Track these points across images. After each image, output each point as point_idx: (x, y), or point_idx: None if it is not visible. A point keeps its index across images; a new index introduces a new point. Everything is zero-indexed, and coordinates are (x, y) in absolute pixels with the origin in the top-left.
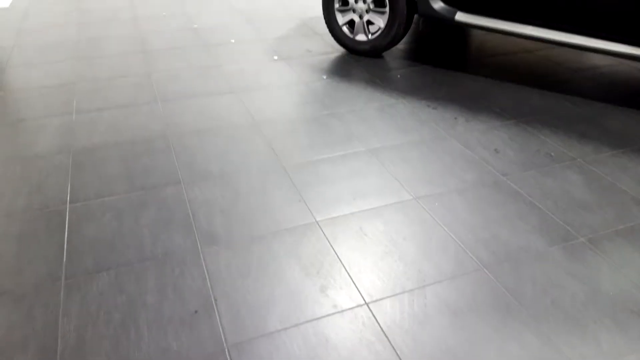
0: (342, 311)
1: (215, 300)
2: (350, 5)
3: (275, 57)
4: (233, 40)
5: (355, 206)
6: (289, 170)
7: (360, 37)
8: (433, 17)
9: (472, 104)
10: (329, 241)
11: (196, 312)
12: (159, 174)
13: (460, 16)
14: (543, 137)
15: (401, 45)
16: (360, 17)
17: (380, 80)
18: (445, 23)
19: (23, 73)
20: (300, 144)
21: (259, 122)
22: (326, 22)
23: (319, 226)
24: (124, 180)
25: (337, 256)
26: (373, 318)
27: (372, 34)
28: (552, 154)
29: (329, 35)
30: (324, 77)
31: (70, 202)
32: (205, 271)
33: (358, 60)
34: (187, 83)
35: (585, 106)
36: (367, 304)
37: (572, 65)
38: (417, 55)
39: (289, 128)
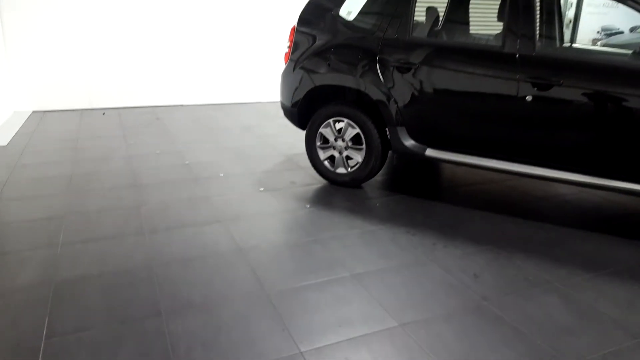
0: None
1: None
2: (330, 143)
3: (261, 189)
4: (222, 174)
5: (340, 335)
6: (273, 298)
7: (341, 170)
8: (406, 153)
9: (448, 231)
10: None
11: None
12: (139, 306)
13: (430, 152)
14: (519, 262)
15: (378, 177)
16: (340, 153)
17: (360, 208)
18: (416, 158)
19: (13, 207)
20: (285, 270)
21: (244, 249)
22: (309, 158)
23: (304, 358)
24: (103, 313)
25: None
26: None
27: (351, 167)
28: (530, 278)
29: (312, 168)
30: (307, 206)
31: (45, 337)
32: None
33: (339, 190)
34: (176, 214)
35: (554, 232)
36: None
37: (538, 193)
38: (393, 186)
39: (274, 255)
